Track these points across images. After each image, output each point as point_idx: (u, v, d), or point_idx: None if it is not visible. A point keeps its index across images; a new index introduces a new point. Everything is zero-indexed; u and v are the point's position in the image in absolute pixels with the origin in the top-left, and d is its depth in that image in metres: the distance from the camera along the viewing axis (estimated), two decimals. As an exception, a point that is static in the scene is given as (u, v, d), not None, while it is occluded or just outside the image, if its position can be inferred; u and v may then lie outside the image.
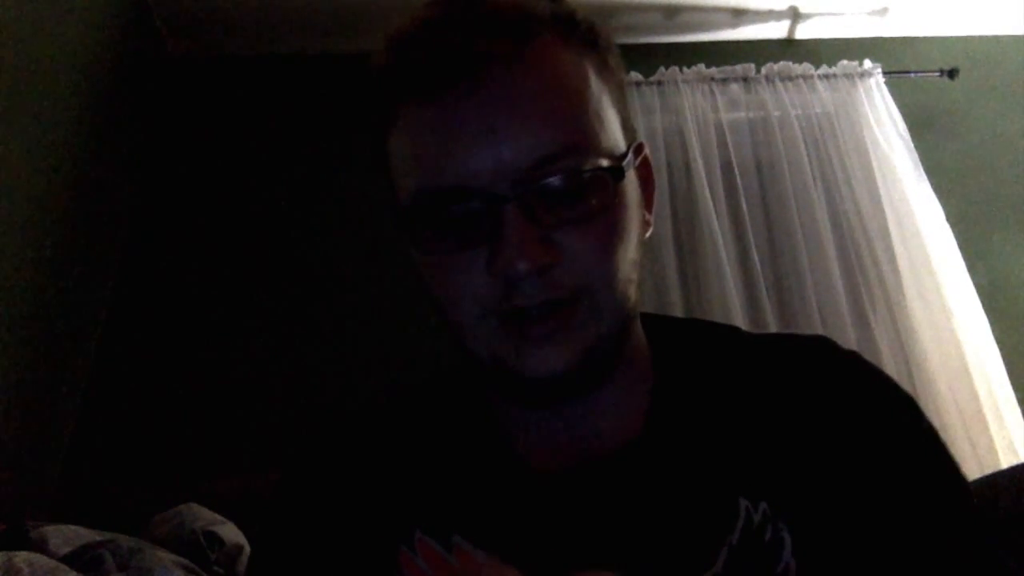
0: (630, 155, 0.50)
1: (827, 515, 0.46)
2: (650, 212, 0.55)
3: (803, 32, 2.40)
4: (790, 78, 2.21)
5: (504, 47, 0.45)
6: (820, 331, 1.89)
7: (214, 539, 1.16)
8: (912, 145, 2.14)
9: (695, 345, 0.57)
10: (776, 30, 2.39)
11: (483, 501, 0.51)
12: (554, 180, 0.45)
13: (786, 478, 0.48)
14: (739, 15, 2.31)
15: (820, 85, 2.21)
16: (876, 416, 0.51)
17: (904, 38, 2.45)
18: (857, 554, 0.46)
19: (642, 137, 0.51)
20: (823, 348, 0.55)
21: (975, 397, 1.83)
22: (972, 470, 1.72)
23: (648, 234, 0.54)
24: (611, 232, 0.47)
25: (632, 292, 0.49)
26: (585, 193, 0.46)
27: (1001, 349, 1.90)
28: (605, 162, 0.46)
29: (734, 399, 0.52)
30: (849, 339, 1.87)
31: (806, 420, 0.50)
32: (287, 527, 0.55)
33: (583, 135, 0.46)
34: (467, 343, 0.49)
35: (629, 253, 0.48)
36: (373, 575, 0.50)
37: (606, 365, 0.50)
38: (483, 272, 0.45)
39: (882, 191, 2.08)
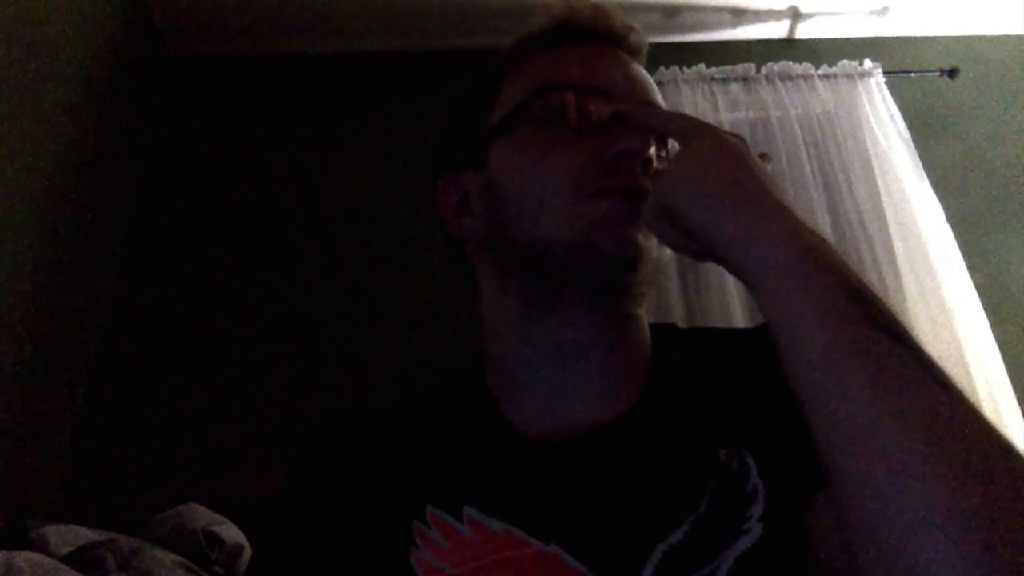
0: None
1: (777, 446, 0.52)
2: None
3: (803, 32, 2.40)
4: (790, 78, 2.21)
5: (628, 31, 0.65)
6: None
7: (214, 539, 1.16)
8: (912, 145, 2.14)
9: (684, 342, 0.65)
10: (776, 30, 2.39)
11: (489, 473, 0.55)
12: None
13: (748, 424, 0.54)
14: (739, 15, 2.31)
15: (820, 85, 2.21)
16: None
17: (904, 38, 2.45)
18: (801, 472, 0.49)
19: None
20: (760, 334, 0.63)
21: (975, 397, 1.83)
22: (972, 470, 1.72)
23: None
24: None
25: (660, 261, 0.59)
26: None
27: (1001, 349, 1.90)
28: None
29: (711, 378, 0.59)
30: (849, 339, 1.87)
31: (757, 385, 0.56)
32: (301, 512, 0.57)
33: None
34: (545, 224, 0.55)
35: None
36: (391, 551, 0.52)
37: (642, 281, 0.57)
38: (592, 153, 0.55)
39: (882, 191, 2.07)
